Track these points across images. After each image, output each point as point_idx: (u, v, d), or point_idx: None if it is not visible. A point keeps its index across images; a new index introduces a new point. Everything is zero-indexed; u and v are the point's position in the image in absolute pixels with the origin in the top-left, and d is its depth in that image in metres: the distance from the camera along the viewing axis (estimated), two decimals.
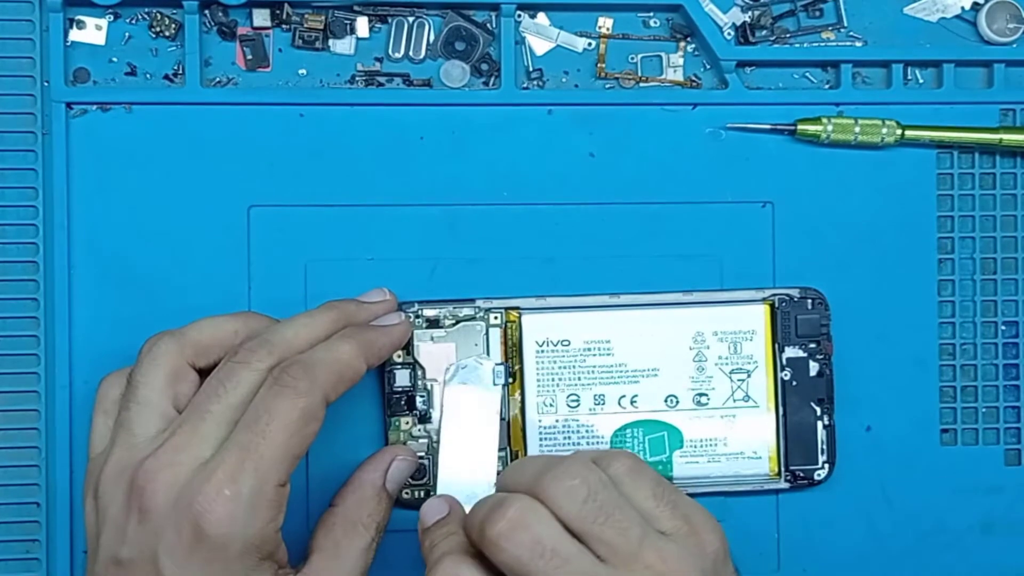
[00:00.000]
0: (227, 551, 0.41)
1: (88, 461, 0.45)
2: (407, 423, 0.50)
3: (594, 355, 0.50)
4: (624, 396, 0.51)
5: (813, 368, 0.51)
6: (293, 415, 0.41)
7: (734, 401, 0.51)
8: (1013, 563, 0.52)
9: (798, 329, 0.51)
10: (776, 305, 0.51)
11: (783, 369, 0.51)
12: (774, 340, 0.51)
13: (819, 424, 0.51)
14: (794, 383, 0.51)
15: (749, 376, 0.51)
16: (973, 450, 0.53)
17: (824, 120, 0.51)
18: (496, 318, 0.50)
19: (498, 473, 0.49)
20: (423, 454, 0.50)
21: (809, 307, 0.51)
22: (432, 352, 0.50)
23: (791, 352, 0.51)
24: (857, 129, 0.51)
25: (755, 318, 0.51)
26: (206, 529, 0.40)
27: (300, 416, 0.41)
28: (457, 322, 0.50)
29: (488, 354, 0.50)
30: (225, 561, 0.41)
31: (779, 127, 0.52)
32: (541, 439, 0.50)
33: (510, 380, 0.50)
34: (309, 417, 0.42)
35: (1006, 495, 0.52)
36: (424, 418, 0.50)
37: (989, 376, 0.53)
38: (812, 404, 0.51)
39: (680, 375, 0.51)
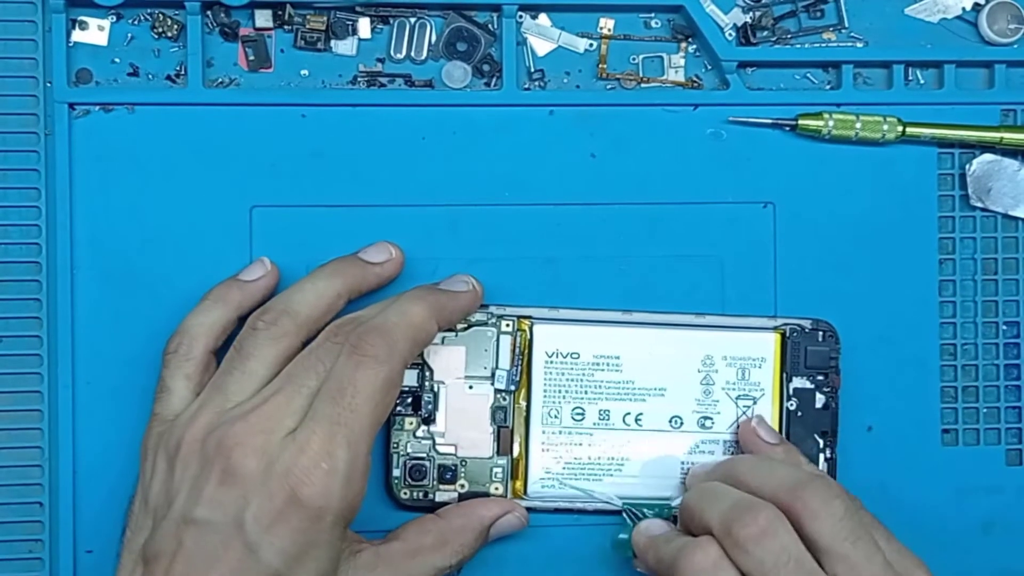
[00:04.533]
0: (320, 522, 0.42)
1: (154, 417, 0.46)
2: (411, 423, 0.50)
3: (602, 370, 0.50)
4: (629, 413, 0.50)
5: (819, 400, 0.51)
6: (377, 385, 0.42)
7: (739, 427, 0.51)
8: (1013, 563, 0.53)
9: (807, 360, 0.51)
10: (787, 335, 0.51)
11: (789, 399, 0.51)
12: (782, 369, 0.51)
13: (821, 457, 0.51)
14: (799, 414, 0.51)
15: (755, 403, 0.51)
16: (974, 450, 0.53)
17: (825, 115, 0.51)
18: (508, 325, 0.50)
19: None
20: (424, 455, 0.50)
21: (820, 339, 0.51)
22: (441, 354, 0.49)
23: (798, 383, 0.51)
24: (858, 125, 0.51)
25: (765, 346, 0.51)
26: (304, 501, 0.41)
27: (383, 386, 0.43)
28: (469, 326, 0.50)
29: (497, 362, 0.50)
30: (316, 531, 0.42)
31: (780, 122, 0.52)
32: (543, 450, 0.50)
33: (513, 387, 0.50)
34: (391, 385, 0.43)
35: (1007, 495, 0.53)
36: (428, 419, 0.50)
37: (990, 376, 0.53)
38: (816, 436, 0.51)
39: (686, 397, 0.50)
